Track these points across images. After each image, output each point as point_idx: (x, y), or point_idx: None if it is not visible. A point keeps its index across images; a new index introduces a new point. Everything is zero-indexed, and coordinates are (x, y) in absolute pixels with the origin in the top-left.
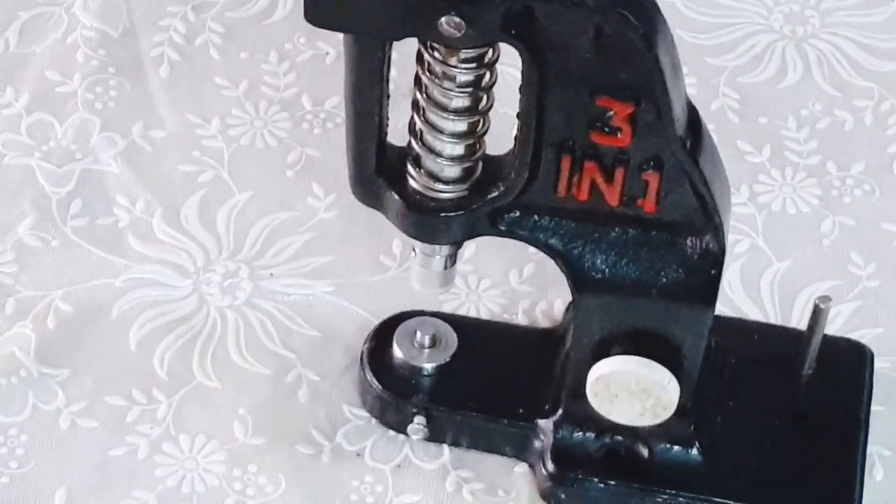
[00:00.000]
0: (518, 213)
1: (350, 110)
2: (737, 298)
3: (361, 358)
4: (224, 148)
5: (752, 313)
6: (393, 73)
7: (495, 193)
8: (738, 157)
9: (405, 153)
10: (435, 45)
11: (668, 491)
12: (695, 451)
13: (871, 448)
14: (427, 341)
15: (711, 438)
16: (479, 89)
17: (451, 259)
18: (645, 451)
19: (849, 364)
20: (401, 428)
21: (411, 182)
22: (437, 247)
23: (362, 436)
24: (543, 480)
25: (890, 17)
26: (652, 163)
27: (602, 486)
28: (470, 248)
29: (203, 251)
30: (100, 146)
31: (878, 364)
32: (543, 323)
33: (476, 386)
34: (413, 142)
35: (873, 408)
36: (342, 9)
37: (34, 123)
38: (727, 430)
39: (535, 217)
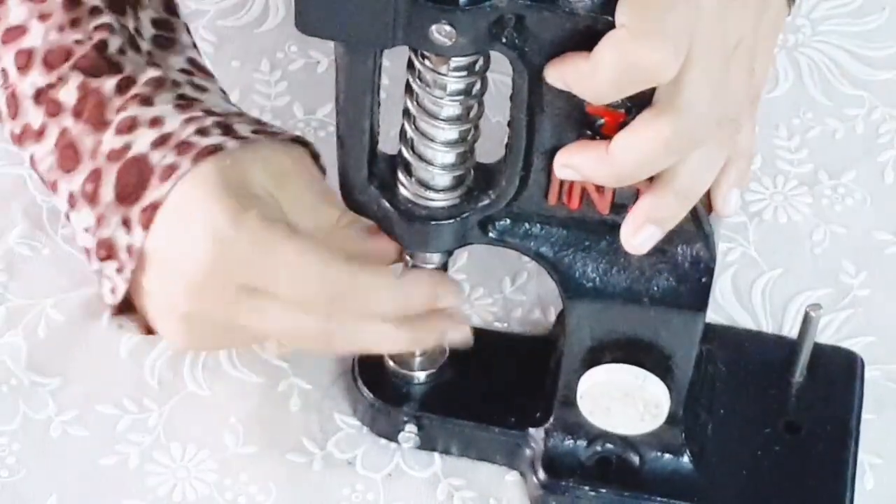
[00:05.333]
0: (509, 222)
1: (341, 119)
2: (728, 306)
3: (353, 366)
4: None
5: (744, 321)
6: (384, 81)
7: (486, 201)
8: None
9: (396, 161)
10: (426, 53)
11: (659, 499)
12: (686, 459)
13: (861, 456)
14: (418, 350)
15: (702, 446)
16: (470, 97)
17: (442, 269)
18: (636, 459)
19: (840, 372)
20: (392, 436)
21: (402, 190)
22: (428, 256)
23: (353, 444)
24: (535, 489)
25: (881, 26)
26: None
27: (593, 494)
28: (462, 256)
29: None
30: None
31: (869, 372)
32: (536, 331)
33: (467, 394)
34: (404, 150)
35: (864, 416)
36: (333, 17)
37: None
38: (718, 438)
39: (526, 225)
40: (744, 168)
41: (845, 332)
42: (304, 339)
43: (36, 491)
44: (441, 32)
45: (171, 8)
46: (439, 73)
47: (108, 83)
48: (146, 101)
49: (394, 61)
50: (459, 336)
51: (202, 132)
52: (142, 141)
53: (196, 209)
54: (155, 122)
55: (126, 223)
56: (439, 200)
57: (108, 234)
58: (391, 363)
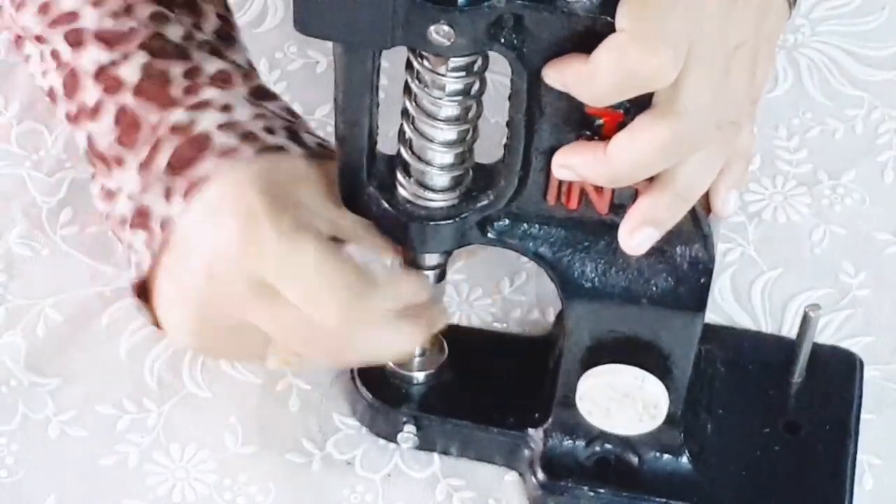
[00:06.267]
0: (508, 222)
1: (340, 119)
2: (727, 307)
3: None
4: None
5: (743, 321)
6: (383, 81)
7: (485, 202)
8: None
9: (395, 162)
10: (424, 53)
11: (657, 499)
12: (684, 460)
13: (860, 456)
14: (417, 350)
15: (701, 447)
16: (469, 98)
17: (441, 275)
18: (635, 460)
19: (839, 372)
20: (391, 437)
21: (401, 190)
22: (426, 257)
23: (352, 445)
24: (534, 489)
25: (880, 26)
26: None
27: (592, 494)
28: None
29: None
30: None
31: (868, 372)
32: (534, 332)
33: (466, 395)
34: (403, 150)
35: (863, 416)
36: (332, 18)
37: (24, 133)
38: (717, 438)
39: (525, 225)
40: (742, 169)
41: (844, 333)
42: (313, 344)
43: (35, 491)
44: (439, 33)
45: (228, 7)
46: (438, 74)
47: (175, 67)
48: (217, 88)
49: (392, 62)
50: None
51: (270, 130)
52: (209, 120)
53: (238, 198)
54: (225, 108)
55: (168, 194)
56: (438, 201)
57: (149, 202)
58: (390, 363)
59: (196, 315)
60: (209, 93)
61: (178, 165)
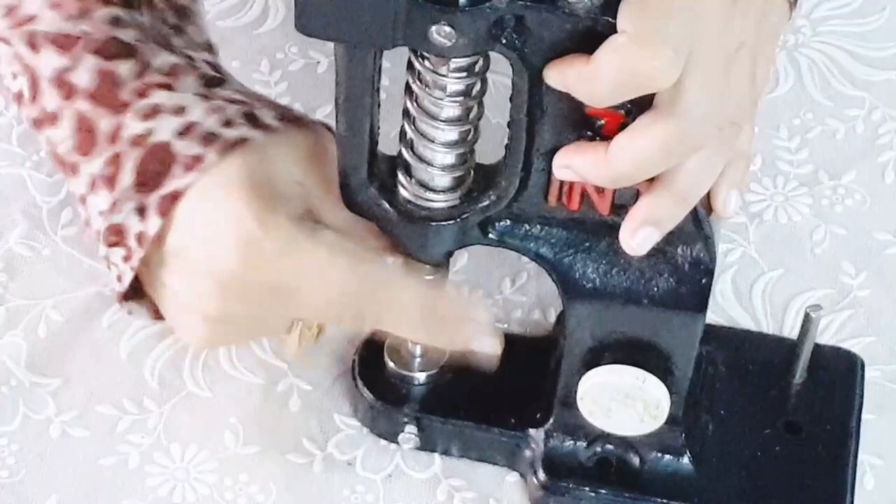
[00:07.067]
0: (509, 222)
1: (341, 119)
2: (728, 307)
3: (353, 367)
4: None
5: (744, 322)
6: (384, 81)
7: (486, 202)
8: None
9: (396, 162)
10: (426, 54)
11: (659, 500)
12: (686, 460)
13: (862, 457)
14: (418, 350)
15: (702, 447)
16: (470, 98)
17: (443, 271)
18: (636, 460)
19: (840, 373)
20: (392, 437)
21: (402, 191)
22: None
23: (353, 445)
24: (535, 489)
25: (881, 27)
26: None
27: (593, 495)
28: (462, 257)
29: None
30: None
31: (869, 373)
32: (536, 332)
33: (467, 395)
34: (404, 151)
35: (864, 416)
36: (333, 18)
37: (24, 133)
38: (718, 438)
39: (526, 226)
40: (743, 169)
41: (845, 333)
42: (333, 322)
43: (36, 491)
44: (441, 33)
45: None
46: (439, 74)
47: (124, 66)
48: (167, 87)
49: (394, 62)
50: (488, 345)
51: (227, 123)
52: (165, 128)
53: (222, 208)
54: (178, 110)
55: (141, 210)
56: (439, 201)
57: (121, 219)
58: (391, 364)
59: (211, 327)
60: (160, 96)
61: (145, 182)
